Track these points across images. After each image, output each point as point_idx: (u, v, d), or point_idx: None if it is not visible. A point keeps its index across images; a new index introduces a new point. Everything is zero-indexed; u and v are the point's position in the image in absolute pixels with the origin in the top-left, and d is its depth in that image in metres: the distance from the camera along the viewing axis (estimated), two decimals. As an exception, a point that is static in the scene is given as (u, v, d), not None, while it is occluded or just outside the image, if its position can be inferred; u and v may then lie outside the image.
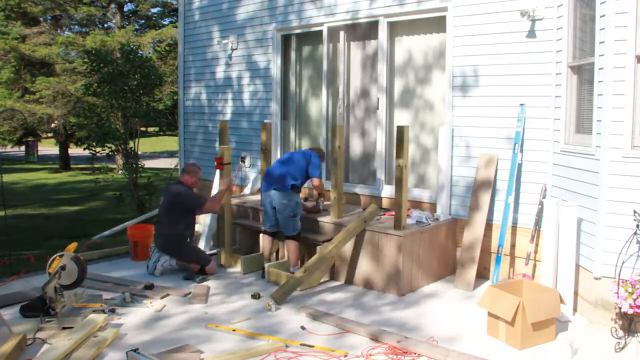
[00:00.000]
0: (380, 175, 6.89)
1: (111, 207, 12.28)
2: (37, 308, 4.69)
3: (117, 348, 4.22)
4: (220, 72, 8.75)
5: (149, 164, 14.32)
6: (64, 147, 23.95)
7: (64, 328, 4.46)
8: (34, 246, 8.01)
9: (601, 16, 4.60)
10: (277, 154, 7.92)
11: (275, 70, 7.91)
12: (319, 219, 6.23)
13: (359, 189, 7.10)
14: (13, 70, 21.04)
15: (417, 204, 6.50)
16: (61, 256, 4.85)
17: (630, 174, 4.47)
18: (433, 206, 6.37)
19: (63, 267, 4.75)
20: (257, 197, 7.36)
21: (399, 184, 5.53)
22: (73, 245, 5.17)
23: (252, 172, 8.28)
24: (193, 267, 6.07)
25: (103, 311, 4.85)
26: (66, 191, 16.52)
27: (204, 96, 9.15)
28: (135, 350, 3.95)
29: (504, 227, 5.68)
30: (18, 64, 21.05)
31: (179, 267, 6.16)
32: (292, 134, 8.01)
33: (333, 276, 6.00)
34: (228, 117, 8.61)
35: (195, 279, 5.92)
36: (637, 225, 4.35)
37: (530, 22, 5.54)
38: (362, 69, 7.18)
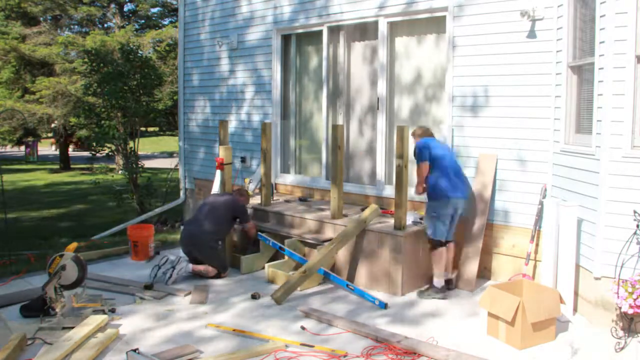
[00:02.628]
0: (381, 175, 6.88)
1: (110, 207, 12.27)
2: (37, 308, 4.69)
3: (117, 348, 4.22)
4: (219, 72, 8.74)
5: (148, 164, 14.31)
6: (63, 147, 23.96)
7: (64, 328, 4.45)
8: (34, 246, 8.02)
9: (601, 16, 4.60)
10: (277, 154, 7.92)
11: (275, 70, 7.90)
12: (320, 219, 6.23)
13: (360, 189, 7.09)
14: (13, 70, 21.05)
15: (418, 205, 6.49)
16: (61, 256, 4.85)
17: (630, 174, 4.47)
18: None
19: (63, 267, 4.76)
20: (256, 199, 7.35)
21: (399, 183, 5.53)
22: (73, 245, 5.18)
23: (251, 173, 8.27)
24: (211, 271, 5.97)
25: (103, 311, 4.85)
26: (66, 191, 16.52)
27: (203, 97, 9.14)
28: (135, 350, 3.96)
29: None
30: (18, 64, 21.05)
31: (193, 273, 6.01)
32: (292, 133, 8.01)
33: (333, 276, 6.00)
34: (227, 117, 8.61)
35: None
36: (637, 225, 4.34)
37: (530, 22, 5.53)
38: (362, 69, 7.18)
